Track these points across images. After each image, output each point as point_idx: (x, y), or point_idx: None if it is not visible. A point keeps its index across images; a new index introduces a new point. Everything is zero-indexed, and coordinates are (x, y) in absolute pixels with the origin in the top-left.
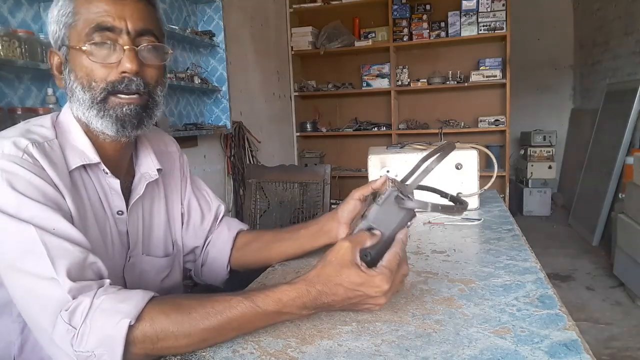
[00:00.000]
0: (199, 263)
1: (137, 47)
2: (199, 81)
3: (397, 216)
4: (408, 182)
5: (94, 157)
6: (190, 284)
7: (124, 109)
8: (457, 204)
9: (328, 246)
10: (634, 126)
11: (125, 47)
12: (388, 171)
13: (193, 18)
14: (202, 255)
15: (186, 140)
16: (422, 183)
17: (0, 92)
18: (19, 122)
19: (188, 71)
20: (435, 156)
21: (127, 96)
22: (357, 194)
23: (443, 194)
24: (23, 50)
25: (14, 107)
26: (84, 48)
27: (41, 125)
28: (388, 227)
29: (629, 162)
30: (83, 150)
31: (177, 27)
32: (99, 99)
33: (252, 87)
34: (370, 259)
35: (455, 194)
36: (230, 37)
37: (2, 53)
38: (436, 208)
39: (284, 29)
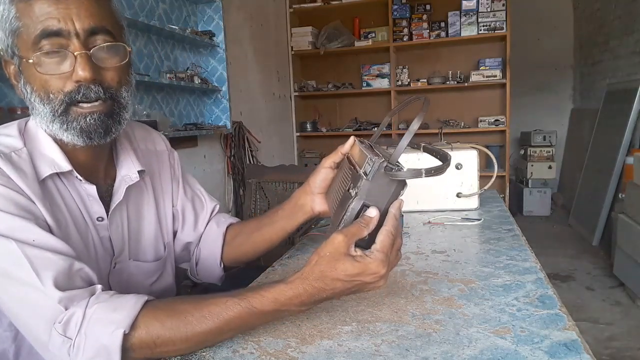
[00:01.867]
0: (193, 262)
1: (90, 49)
2: (199, 81)
3: (388, 188)
4: (379, 147)
5: (65, 165)
6: (189, 284)
7: (88, 119)
8: (441, 158)
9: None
10: (634, 126)
11: (76, 53)
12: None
13: (193, 18)
14: (195, 255)
15: (186, 140)
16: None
17: (0, 92)
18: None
19: (188, 71)
20: (416, 117)
21: (88, 104)
22: (328, 161)
23: (416, 145)
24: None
25: (14, 107)
26: (30, 61)
27: (7, 134)
28: (381, 201)
29: (629, 162)
30: (53, 159)
31: (177, 27)
32: (59, 111)
33: (252, 87)
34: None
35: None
36: (230, 37)
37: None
38: (429, 172)
39: (284, 29)
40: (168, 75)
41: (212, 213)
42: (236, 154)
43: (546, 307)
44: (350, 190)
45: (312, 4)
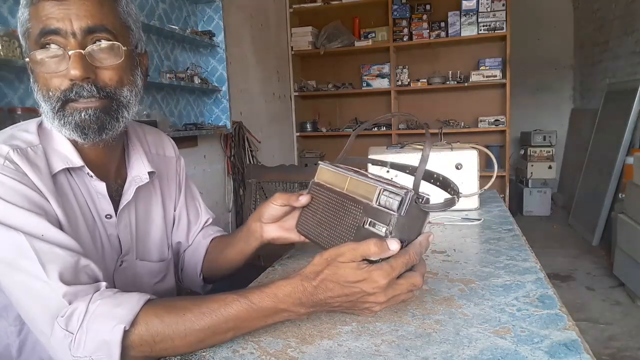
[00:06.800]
0: (179, 268)
1: (85, 49)
2: (199, 81)
3: (417, 221)
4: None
5: (77, 161)
6: None
7: (82, 115)
8: (450, 190)
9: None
10: (634, 126)
11: (71, 53)
12: (388, 171)
13: (193, 18)
14: (180, 261)
15: (186, 140)
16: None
17: (0, 92)
18: (19, 122)
19: (188, 71)
20: (426, 143)
21: (84, 100)
22: (279, 200)
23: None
24: (23, 50)
25: (14, 107)
26: (34, 56)
27: (26, 130)
28: (412, 234)
29: (629, 162)
30: (66, 154)
31: (177, 27)
32: (56, 107)
33: (252, 87)
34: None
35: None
36: (230, 37)
37: (2, 53)
38: (458, 196)
39: (284, 29)
40: (168, 75)
41: (204, 224)
42: (236, 154)
43: (546, 307)
44: (371, 227)
45: (312, 4)
